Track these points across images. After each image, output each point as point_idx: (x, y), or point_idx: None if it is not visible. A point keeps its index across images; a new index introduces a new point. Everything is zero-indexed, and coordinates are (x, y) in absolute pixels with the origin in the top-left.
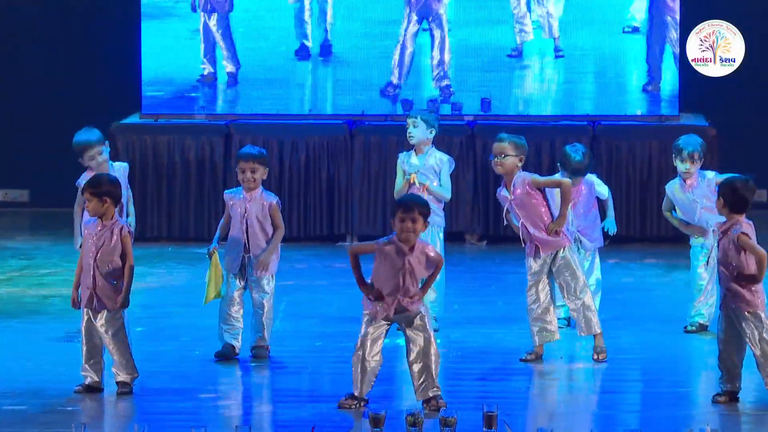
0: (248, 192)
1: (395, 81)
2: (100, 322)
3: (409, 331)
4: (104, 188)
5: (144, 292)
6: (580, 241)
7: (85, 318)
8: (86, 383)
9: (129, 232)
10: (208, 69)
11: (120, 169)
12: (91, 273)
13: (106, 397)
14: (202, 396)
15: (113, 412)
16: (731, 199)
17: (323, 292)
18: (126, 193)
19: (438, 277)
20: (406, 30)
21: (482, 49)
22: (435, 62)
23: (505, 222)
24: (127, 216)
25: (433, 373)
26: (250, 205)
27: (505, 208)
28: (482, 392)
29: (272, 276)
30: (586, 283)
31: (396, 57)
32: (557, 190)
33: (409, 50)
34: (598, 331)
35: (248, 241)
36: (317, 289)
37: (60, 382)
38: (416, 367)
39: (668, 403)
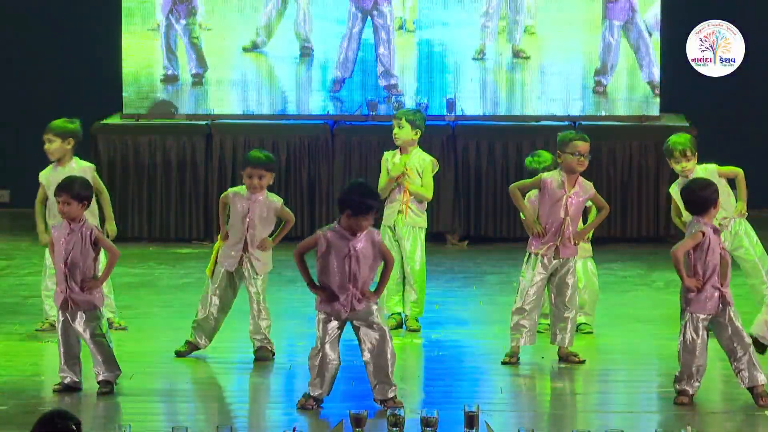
0: (253, 194)
1: (339, 76)
2: (79, 322)
3: (362, 330)
4: (84, 192)
5: (125, 292)
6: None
7: (62, 319)
8: (65, 383)
9: (98, 229)
10: (171, 70)
11: (87, 170)
12: (64, 278)
13: (88, 397)
14: (184, 396)
15: (94, 412)
16: None
17: (304, 292)
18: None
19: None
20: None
21: (449, 50)
22: (381, 59)
23: (522, 217)
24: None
25: (389, 372)
26: (254, 205)
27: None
28: (463, 392)
29: (266, 276)
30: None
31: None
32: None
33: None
34: (572, 344)
35: (248, 239)
36: (298, 288)
37: (40, 383)
38: (371, 368)
39: (650, 403)
